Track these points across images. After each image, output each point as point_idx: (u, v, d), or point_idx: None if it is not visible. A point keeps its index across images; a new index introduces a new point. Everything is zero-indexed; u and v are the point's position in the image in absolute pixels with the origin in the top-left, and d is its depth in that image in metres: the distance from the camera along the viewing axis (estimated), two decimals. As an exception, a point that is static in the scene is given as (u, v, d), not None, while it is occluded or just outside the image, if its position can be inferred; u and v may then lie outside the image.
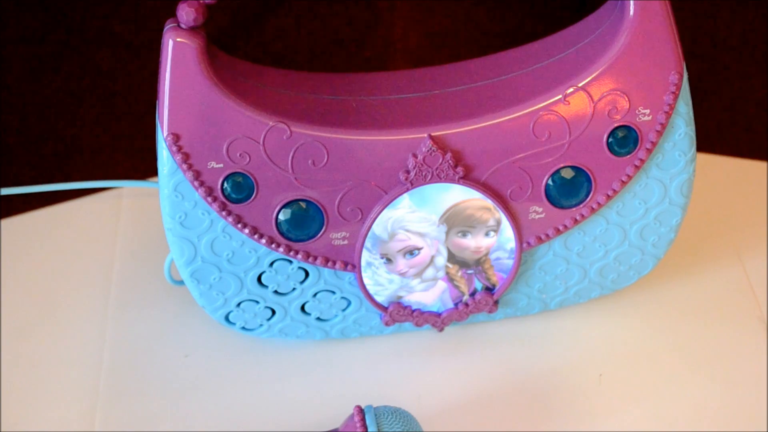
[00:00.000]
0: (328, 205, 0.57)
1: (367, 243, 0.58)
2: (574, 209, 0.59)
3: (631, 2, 0.56)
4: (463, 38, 0.82)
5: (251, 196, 0.56)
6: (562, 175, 0.58)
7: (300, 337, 0.63)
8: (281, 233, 0.57)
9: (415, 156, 0.56)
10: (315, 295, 0.61)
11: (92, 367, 0.64)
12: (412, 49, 0.81)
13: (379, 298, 0.61)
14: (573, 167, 0.58)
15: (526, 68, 0.59)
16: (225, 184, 0.56)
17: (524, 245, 0.60)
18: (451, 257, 0.60)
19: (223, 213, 0.57)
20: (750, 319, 0.66)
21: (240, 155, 0.55)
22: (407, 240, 0.59)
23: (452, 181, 0.57)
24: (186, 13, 0.53)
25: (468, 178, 0.57)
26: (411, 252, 0.59)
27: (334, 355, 0.65)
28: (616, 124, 0.57)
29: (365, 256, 0.59)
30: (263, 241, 0.57)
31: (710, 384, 0.63)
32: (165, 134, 0.55)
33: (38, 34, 0.80)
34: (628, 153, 0.58)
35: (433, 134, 0.56)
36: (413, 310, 0.62)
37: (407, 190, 0.57)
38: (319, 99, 0.58)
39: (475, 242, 0.60)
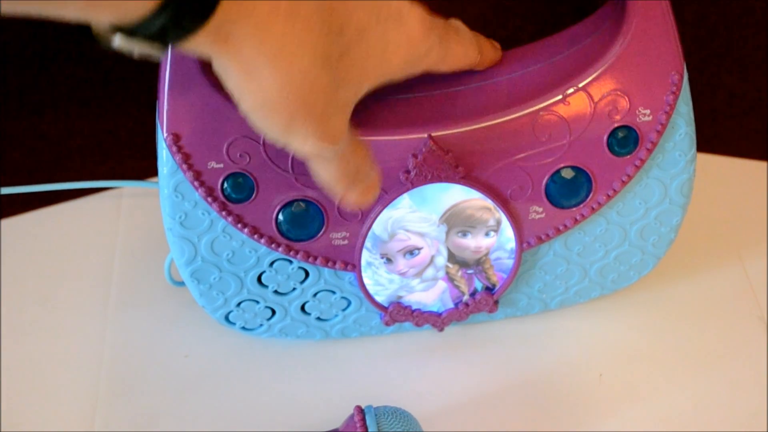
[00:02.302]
0: (328, 205, 0.57)
1: (367, 243, 0.58)
2: (574, 209, 0.59)
3: (631, 2, 0.56)
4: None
5: (251, 196, 0.56)
6: (563, 175, 0.58)
7: (300, 337, 0.63)
8: (281, 233, 0.57)
9: (415, 156, 0.56)
10: (315, 294, 0.61)
11: (92, 367, 0.64)
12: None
13: (379, 298, 0.61)
14: (573, 167, 0.58)
15: (526, 68, 0.59)
16: (225, 184, 0.56)
17: (524, 245, 0.60)
18: (451, 257, 0.60)
19: (223, 213, 0.56)
20: (750, 319, 0.66)
21: (240, 155, 0.55)
22: (407, 240, 0.59)
23: (452, 181, 0.57)
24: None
25: (468, 178, 0.57)
26: (411, 252, 0.59)
27: (334, 355, 0.65)
28: (616, 125, 0.57)
29: (365, 256, 0.59)
30: (263, 240, 0.57)
31: (710, 384, 0.63)
32: (165, 134, 0.55)
33: (38, 33, 0.80)
34: (629, 153, 0.58)
35: (433, 134, 0.56)
36: (413, 310, 0.62)
37: (407, 190, 0.57)
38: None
39: (475, 242, 0.60)
